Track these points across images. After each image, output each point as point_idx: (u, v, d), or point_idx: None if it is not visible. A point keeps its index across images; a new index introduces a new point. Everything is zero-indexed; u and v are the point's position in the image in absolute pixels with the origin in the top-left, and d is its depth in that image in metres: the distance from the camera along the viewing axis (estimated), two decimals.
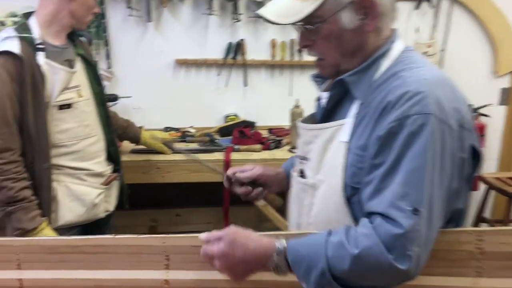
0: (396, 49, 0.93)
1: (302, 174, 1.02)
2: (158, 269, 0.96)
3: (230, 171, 1.22)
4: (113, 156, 1.76)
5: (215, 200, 2.29)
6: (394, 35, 0.95)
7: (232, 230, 0.90)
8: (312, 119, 1.07)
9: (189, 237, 0.95)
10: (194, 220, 2.41)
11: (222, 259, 0.88)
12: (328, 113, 1.00)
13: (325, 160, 0.95)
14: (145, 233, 2.26)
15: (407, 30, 2.60)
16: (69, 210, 1.61)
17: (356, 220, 0.90)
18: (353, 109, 0.92)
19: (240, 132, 2.34)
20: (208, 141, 2.32)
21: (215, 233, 0.91)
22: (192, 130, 2.50)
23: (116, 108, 2.26)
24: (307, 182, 0.99)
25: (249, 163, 2.10)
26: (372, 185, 0.83)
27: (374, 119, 0.86)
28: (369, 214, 0.84)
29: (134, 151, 2.15)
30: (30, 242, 0.97)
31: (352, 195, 0.90)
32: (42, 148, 1.51)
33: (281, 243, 0.86)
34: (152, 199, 2.36)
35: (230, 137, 2.36)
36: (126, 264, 0.96)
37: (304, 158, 1.01)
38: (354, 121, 0.91)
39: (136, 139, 2.03)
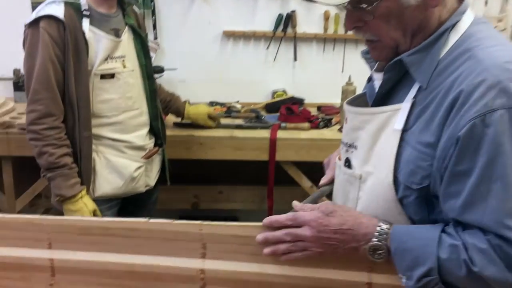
0: (466, 21, 0.79)
1: (348, 164, 0.90)
2: (194, 258, 0.89)
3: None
4: (156, 130, 1.70)
5: (259, 179, 2.22)
6: (463, 4, 0.80)
7: (330, 202, 0.86)
8: (361, 102, 0.94)
9: (228, 226, 0.87)
10: (236, 198, 2.35)
11: (315, 226, 0.80)
12: (381, 97, 0.87)
13: (375, 149, 0.83)
14: (187, 209, 2.26)
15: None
16: (107, 182, 1.57)
17: (412, 221, 0.80)
18: (412, 92, 0.79)
19: (287, 109, 2.23)
20: (254, 117, 2.23)
21: (310, 204, 0.86)
22: (238, 106, 2.41)
23: (161, 80, 2.20)
24: (353, 173, 0.88)
25: (295, 143, 2.00)
26: (462, 197, 0.72)
27: (445, 110, 0.73)
28: (464, 224, 0.74)
29: (177, 125, 2.09)
30: (61, 222, 0.92)
31: (404, 196, 0.79)
32: (84, 116, 1.48)
33: (383, 226, 0.78)
34: (195, 175, 2.31)
35: (277, 114, 2.26)
36: (160, 250, 0.90)
37: (351, 146, 0.89)
38: (413, 107, 0.78)
39: (180, 113, 1.97)
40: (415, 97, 0.79)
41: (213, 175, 2.35)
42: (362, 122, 0.86)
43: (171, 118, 2.08)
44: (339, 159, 0.95)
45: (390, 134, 0.80)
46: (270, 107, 2.38)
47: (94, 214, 1.51)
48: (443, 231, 0.75)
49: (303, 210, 0.83)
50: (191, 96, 2.36)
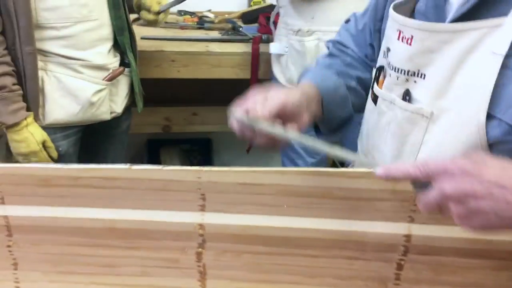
0: None
1: (408, 98, 0.71)
2: (191, 211, 0.71)
3: (239, 111, 0.72)
4: (122, 46, 1.43)
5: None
6: None
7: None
8: (406, 10, 0.73)
9: (234, 172, 0.68)
10: (212, 120, 2.15)
11: (490, 198, 0.50)
12: (466, 9, 0.62)
13: (457, 79, 0.64)
14: (157, 133, 2.05)
15: None
16: (59, 107, 1.32)
17: None
18: None
19: (267, 18, 1.98)
20: (230, 29, 1.97)
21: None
22: (211, 15, 2.14)
23: None
24: (420, 110, 0.68)
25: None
26: None
27: None
28: None
29: (144, 38, 1.82)
30: (14, 171, 0.71)
31: (503, 141, 0.60)
32: (24, 27, 1.19)
33: None
34: (166, 96, 2.08)
35: (256, 25, 2.01)
36: (147, 203, 0.71)
37: (414, 74, 0.69)
38: None
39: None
40: None
41: (187, 95, 2.13)
42: (438, 42, 0.64)
43: (139, 31, 1.79)
44: (384, 88, 0.74)
45: (485, 59, 0.60)
46: (247, 17, 2.11)
47: (44, 146, 1.29)
48: None
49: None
50: None
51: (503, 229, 0.52)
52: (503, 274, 0.72)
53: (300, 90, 0.77)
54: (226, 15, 2.15)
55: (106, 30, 1.36)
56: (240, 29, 1.98)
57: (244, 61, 1.78)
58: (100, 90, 1.37)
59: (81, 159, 1.49)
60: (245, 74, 1.79)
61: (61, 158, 1.36)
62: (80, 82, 1.33)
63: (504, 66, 0.59)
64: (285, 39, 1.57)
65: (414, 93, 0.70)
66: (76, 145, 1.43)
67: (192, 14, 2.15)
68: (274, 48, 1.61)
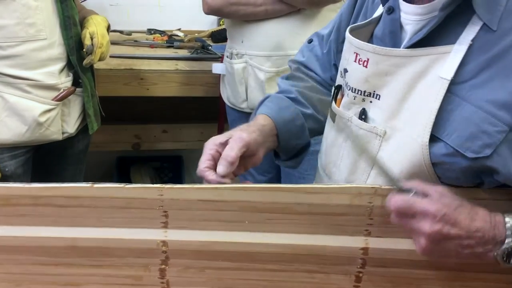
0: None
1: (364, 117, 0.74)
2: (153, 228, 0.72)
3: (203, 164, 0.74)
4: (75, 66, 1.38)
5: (208, 116, 2.03)
6: None
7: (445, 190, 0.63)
8: (365, 34, 0.77)
9: (196, 189, 0.70)
10: (182, 137, 2.15)
11: (440, 223, 0.59)
12: (423, 37, 0.66)
13: (408, 101, 0.67)
14: (127, 150, 2.03)
15: None
16: (5, 127, 1.28)
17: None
18: (469, 33, 0.62)
19: None
20: (200, 48, 1.99)
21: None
22: (180, 34, 2.16)
23: (87, 4, 1.88)
24: (374, 129, 0.72)
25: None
26: None
27: None
28: None
29: (113, 56, 1.82)
30: None
31: (446, 163, 0.64)
32: None
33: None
34: (136, 114, 2.08)
35: (225, 44, 2.03)
36: (109, 220, 0.71)
37: (370, 95, 0.73)
38: (470, 53, 0.62)
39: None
40: (473, 40, 0.62)
41: (157, 113, 2.13)
42: (392, 66, 0.68)
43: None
44: (345, 107, 0.77)
45: (433, 84, 0.64)
46: (217, 36, 2.15)
47: None
48: None
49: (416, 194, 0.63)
50: (125, 23, 2.08)
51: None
52: (456, 285, 0.75)
53: (257, 128, 0.79)
54: (196, 34, 2.18)
55: (57, 50, 1.32)
56: (210, 47, 2.00)
57: (213, 79, 1.80)
58: (49, 110, 1.32)
59: (37, 180, 1.45)
60: (214, 92, 1.81)
61: (8, 179, 1.32)
62: (27, 102, 1.29)
63: (451, 92, 0.63)
64: (226, 60, 1.61)
65: (370, 113, 0.73)
66: (26, 165, 1.38)
67: (162, 32, 2.16)
68: (215, 68, 1.65)
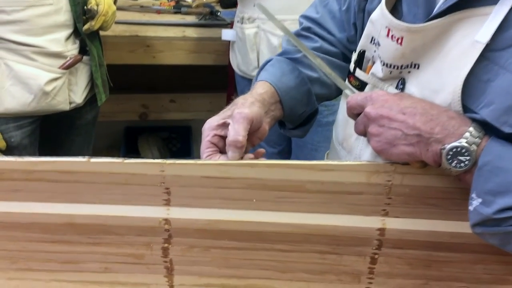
0: None
1: (402, 86, 0.67)
2: (155, 205, 0.67)
3: (205, 154, 0.70)
4: (82, 33, 1.33)
5: (216, 85, 1.97)
6: None
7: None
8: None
9: (199, 165, 0.65)
10: (191, 107, 2.10)
11: (378, 101, 0.61)
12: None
13: (443, 69, 0.61)
14: (134, 120, 2.00)
15: None
16: (10, 96, 1.24)
17: None
18: None
19: None
20: (208, 14, 1.91)
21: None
22: (188, 0, 2.07)
23: None
24: None
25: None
26: None
27: None
28: None
29: (118, 22, 1.75)
30: None
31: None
32: None
33: (476, 129, 0.56)
34: (143, 82, 2.02)
35: (234, 10, 1.95)
36: (108, 197, 0.67)
37: (407, 66, 0.66)
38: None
39: None
40: None
41: (164, 82, 2.07)
42: (429, 37, 0.61)
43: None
44: (380, 77, 0.71)
45: (467, 49, 0.57)
46: (226, 1, 2.07)
47: None
48: None
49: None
50: None
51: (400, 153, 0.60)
52: (479, 267, 0.71)
53: (255, 98, 0.73)
54: (204, 0, 2.10)
55: (64, 16, 1.27)
56: (218, 13, 1.93)
57: (222, 46, 1.74)
58: (55, 79, 1.28)
59: (44, 152, 1.43)
60: (224, 60, 1.75)
61: (14, 150, 1.29)
62: (32, 70, 1.25)
63: (488, 60, 0.56)
64: (236, 26, 1.54)
65: (408, 82, 0.67)
66: (32, 136, 1.35)
67: None
68: (225, 34, 1.58)
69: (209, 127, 0.70)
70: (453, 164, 0.56)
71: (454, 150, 0.55)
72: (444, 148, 0.56)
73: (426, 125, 0.57)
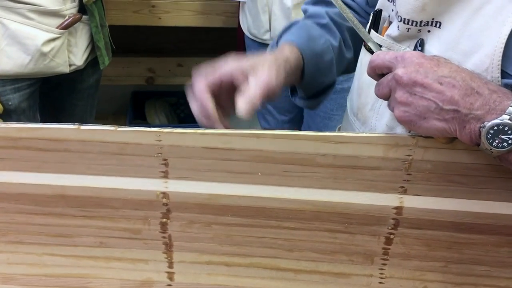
0: None
1: (420, 48, 0.60)
2: (152, 177, 0.62)
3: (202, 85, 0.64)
4: None
5: (225, 49, 1.88)
6: None
7: None
8: None
9: (199, 134, 0.59)
10: None
11: (420, 72, 0.51)
12: None
13: (471, 27, 0.54)
14: (141, 85, 1.94)
15: None
16: (6, 56, 1.19)
17: None
18: None
19: None
20: None
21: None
22: None
23: None
24: None
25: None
26: None
27: None
28: None
29: None
30: None
31: None
32: None
33: None
34: (149, 45, 1.95)
35: None
36: (101, 168, 0.62)
37: (427, 24, 0.59)
38: None
39: None
40: None
41: (170, 45, 2.00)
42: None
43: None
44: (388, 39, 0.64)
45: (504, 4, 0.50)
46: None
47: None
48: None
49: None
50: None
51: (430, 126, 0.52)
52: (503, 250, 0.65)
53: (283, 60, 0.65)
54: None
55: None
56: None
57: (232, 7, 1.66)
58: (53, 39, 1.22)
59: (45, 116, 1.38)
60: (233, 22, 1.66)
61: (12, 114, 1.25)
62: (29, 29, 1.19)
63: None
64: None
65: (428, 43, 0.60)
66: (31, 99, 1.30)
67: None
68: None
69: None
70: (494, 144, 0.48)
71: (495, 128, 0.48)
72: (483, 126, 0.48)
73: (465, 100, 0.49)
